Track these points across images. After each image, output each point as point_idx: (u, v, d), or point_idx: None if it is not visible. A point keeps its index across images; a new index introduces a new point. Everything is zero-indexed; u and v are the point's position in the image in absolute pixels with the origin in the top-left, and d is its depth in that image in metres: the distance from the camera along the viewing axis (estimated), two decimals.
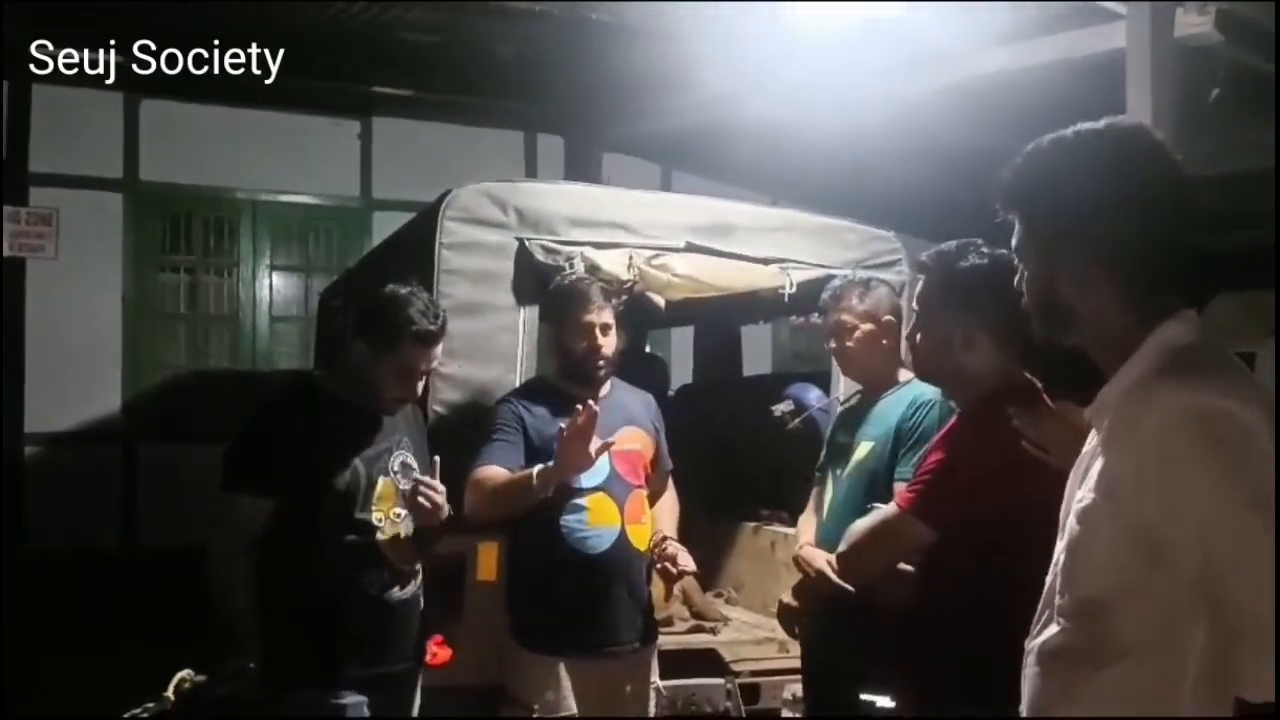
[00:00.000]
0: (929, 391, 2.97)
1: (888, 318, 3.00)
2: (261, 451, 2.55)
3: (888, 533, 2.19)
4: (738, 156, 7.47)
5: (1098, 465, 1.44)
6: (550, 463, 2.78)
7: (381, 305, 2.60)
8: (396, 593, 2.65)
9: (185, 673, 2.34)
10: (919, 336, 2.25)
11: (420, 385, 2.67)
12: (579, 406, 2.73)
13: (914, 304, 2.28)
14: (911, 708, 2.21)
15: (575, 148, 8.11)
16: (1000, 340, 2.16)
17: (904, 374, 3.11)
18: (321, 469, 2.54)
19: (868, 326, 2.98)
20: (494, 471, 2.89)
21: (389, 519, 2.63)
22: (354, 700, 2.47)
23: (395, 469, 2.65)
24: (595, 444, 2.74)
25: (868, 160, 6.30)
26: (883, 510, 2.24)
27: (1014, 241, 1.55)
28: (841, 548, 2.32)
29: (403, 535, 2.66)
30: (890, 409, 3.00)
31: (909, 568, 2.23)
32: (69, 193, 7.07)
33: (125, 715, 2.18)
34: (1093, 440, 1.50)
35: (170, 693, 2.25)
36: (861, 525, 2.26)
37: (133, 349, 7.39)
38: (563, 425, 2.78)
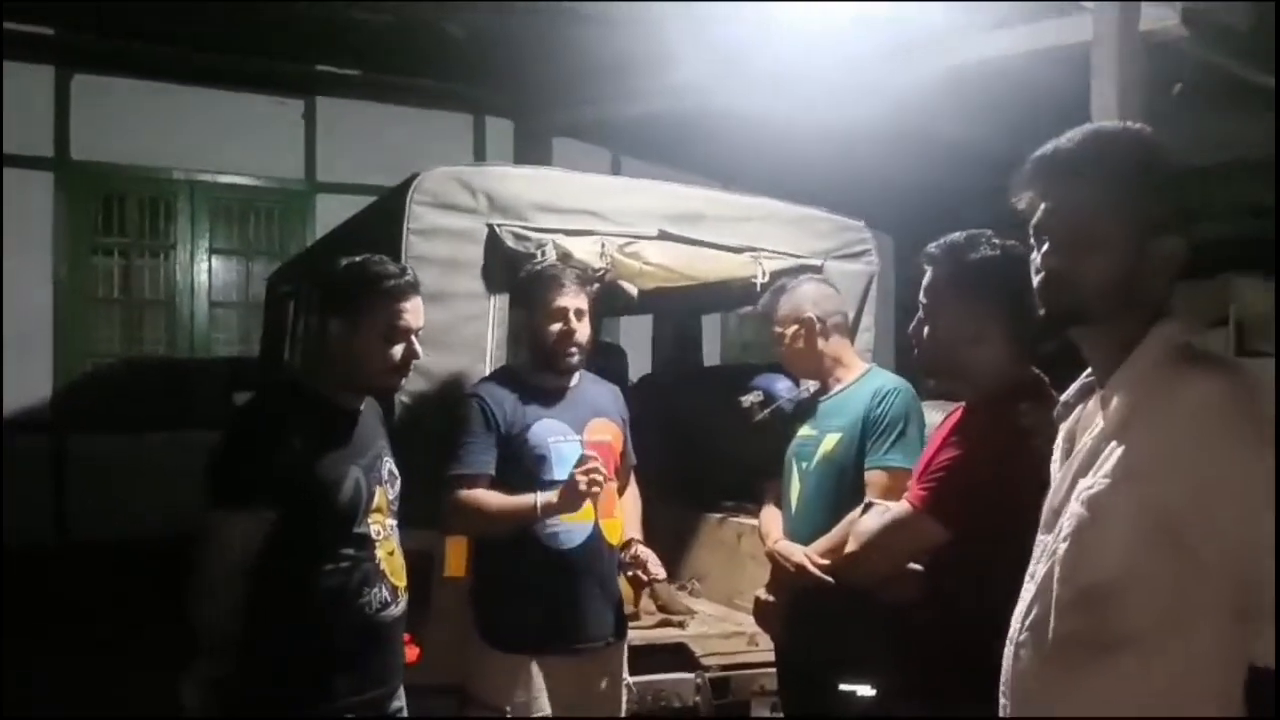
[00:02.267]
0: (891, 380, 3.01)
1: (808, 314, 3.06)
2: (258, 461, 2.28)
3: (900, 532, 2.14)
4: (690, 144, 7.44)
5: (1112, 452, 1.44)
6: (550, 495, 2.76)
7: (347, 275, 2.44)
8: (394, 610, 2.44)
9: None
10: (925, 331, 2.20)
11: (413, 351, 2.44)
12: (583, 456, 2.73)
13: (921, 297, 2.22)
14: (918, 704, 2.16)
15: (525, 132, 8.00)
16: (1011, 334, 2.12)
17: (859, 364, 3.12)
18: (325, 481, 2.31)
19: (793, 328, 3.06)
20: (481, 495, 2.85)
21: (384, 530, 2.45)
22: None
23: (385, 477, 2.48)
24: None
25: (824, 150, 6.28)
26: (893, 509, 2.19)
27: (1038, 218, 1.53)
28: (851, 547, 2.26)
29: (396, 547, 2.49)
30: (854, 400, 3.01)
31: (917, 566, 2.18)
32: None
33: None
34: (1094, 430, 1.50)
35: None
36: (870, 524, 2.20)
37: (63, 335, 7.12)
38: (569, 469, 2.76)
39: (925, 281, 2.20)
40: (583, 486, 2.68)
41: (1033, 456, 1.85)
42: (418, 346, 2.45)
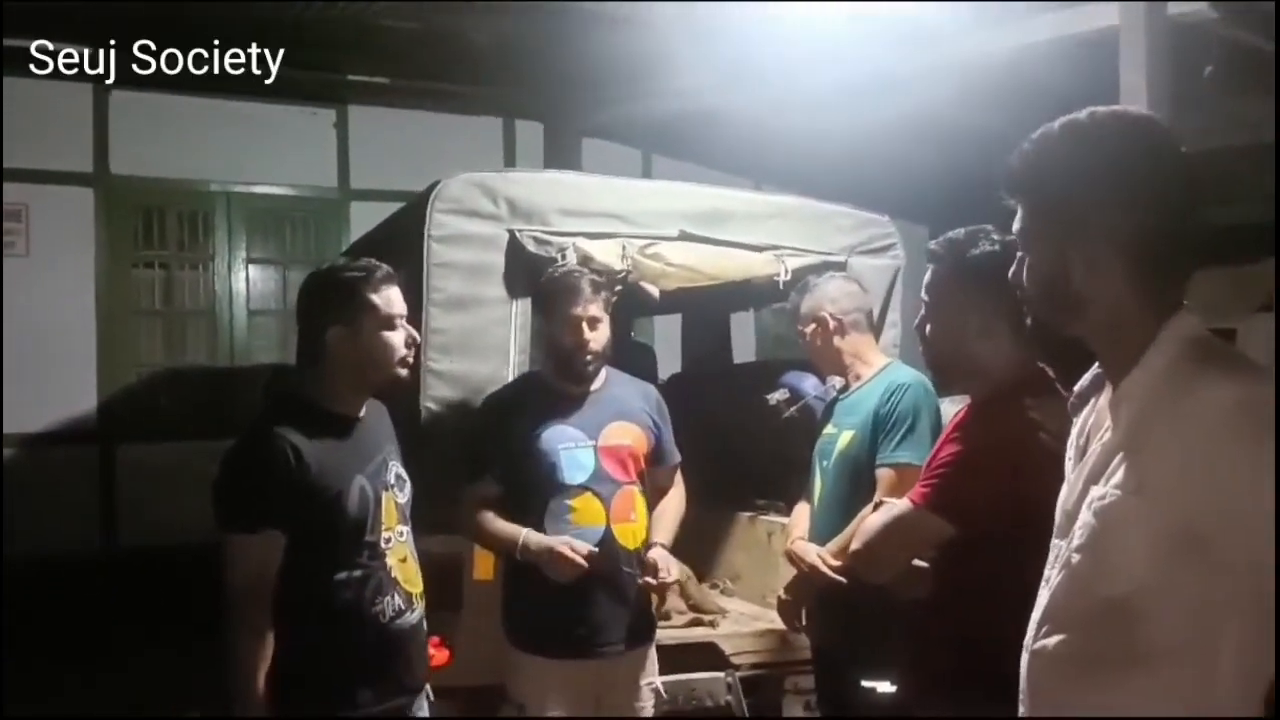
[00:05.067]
0: (905, 375, 3.03)
1: (824, 312, 3.11)
2: (262, 480, 2.28)
3: (904, 529, 2.14)
4: (721, 141, 7.41)
5: (1121, 461, 1.40)
6: (538, 543, 2.85)
7: (333, 280, 2.46)
8: (409, 618, 2.44)
9: None
10: (929, 327, 2.20)
11: (410, 335, 2.47)
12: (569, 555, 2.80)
13: (923, 294, 2.22)
14: (928, 701, 2.15)
15: (555, 134, 8.01)
16: (1012, 329, 2.10)
17: (879, 360, 3.12)
18: (330, 493, 2.31)
19: (811, 327, 3.13)
20: (481, 517, 2.95)
21: (395, 537, 2.44)
22: None
23: (392, 482, 2.48)
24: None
25: (855, 144, 6.24)
26: (897, 506, 2.19)
27: (1016, 226, 1.51)
28: (855, 545, 2.27)
29: (409, 554, 2.50)
30: (868, 396, 3.05)
31: (923, 564, 2.18)
32: (37, 188, 6.92)
33: None
34: (1105, 433, 1.45)
35: None
36: (875, 522, 2.21)
37: (108, 346, 7.23)
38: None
39: (926, 279, 2.21)
40: (555, 570, 2.80)
41: (1036, 451, 1.84)
42: (412, 331, 2.49)
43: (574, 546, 2.78)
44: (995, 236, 2.14)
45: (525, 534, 2.85)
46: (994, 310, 2.10)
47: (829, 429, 3.13)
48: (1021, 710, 1.52)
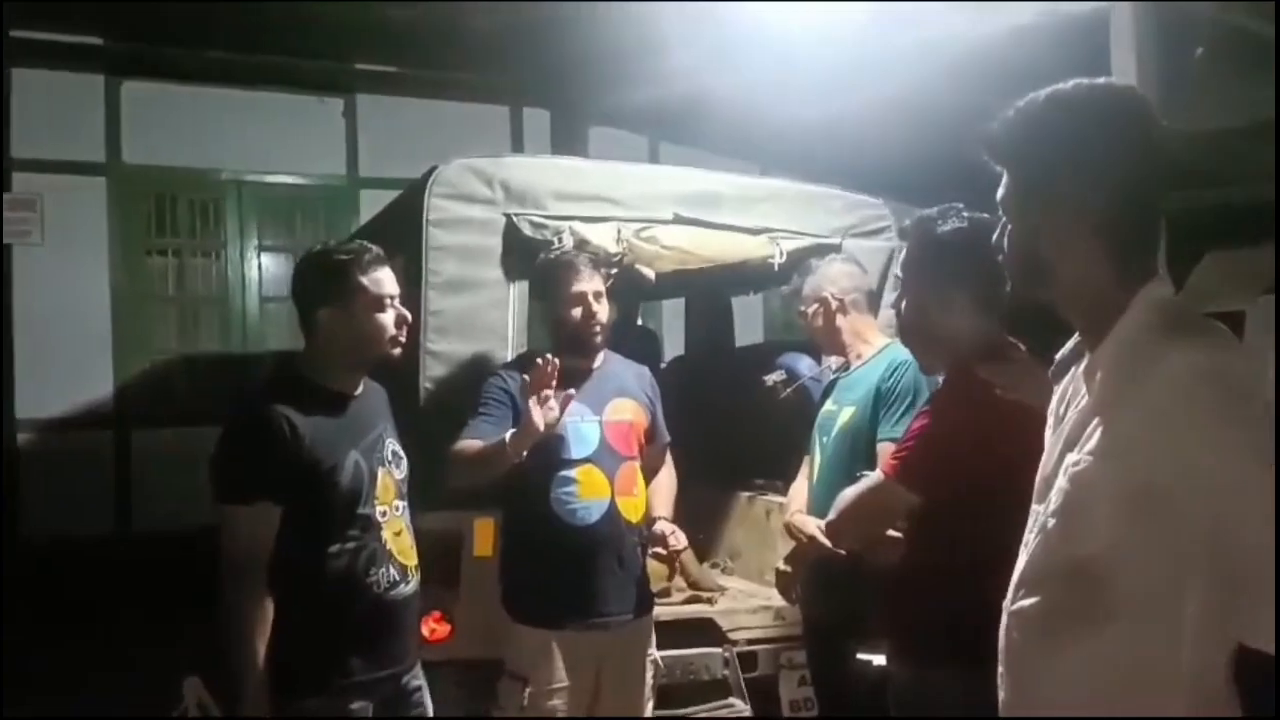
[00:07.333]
0: (906, 354, 3.04)
1: (825, 293, 3.19)
2: (258, 453, 2.32)
3: (873, 499, 2.20)
4: (725, 127, 7.42)
5: (1094, 427, 1.43)
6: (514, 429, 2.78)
7: (324, 262, 2.49)
8: (403, 589, 2.48)
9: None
10: (903, 304, 2.26)
11: (402, 315, 2.51)
12: (537, 360, 2.70)
13: (897, 271, 2.29)
14: (902, 669, 2.22)
15: (561, 121, 8.06)
16: (981, 304, 2.15)
17: (879, 340, 3.18)
18: (324, 467, 2.36)
19: (814, 307, 3.21)
20: (472, 443, 2.88)
21: (390, 511, 2.49)
22: (359, 705, 2.39)
23: (389, 458, 2.52)
24: (555, 400, 2.71)
25: (860, 127, 6.26)
26: (869, 478, 2.26)
27: (1000, 193, 1.54)
28: (830, 516, 2.33)
29: (404, 528, 2.54)
30: (870, 373, 3.11)
31: (896, 534, 2.24)
32: (51, 178, 7.04)
33: None
34: (1081, 401, 1.49)
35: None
36: (849, 493, 2.27)
37: (122, 333, 7.36)
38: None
39: (901, 256, 2.27)
40: (535, 413, 2.70)
41: (1001, 423, 1.90)
42: (403, 311, 2.52)
43: (535, 372, 2.72)
44: (965, 214, 2.19)
45: (508, 433, 2.79)
46: (960, 285, 2.15)
47: (829, 406, 3.19)
48: (1000, 670, 1.56)
